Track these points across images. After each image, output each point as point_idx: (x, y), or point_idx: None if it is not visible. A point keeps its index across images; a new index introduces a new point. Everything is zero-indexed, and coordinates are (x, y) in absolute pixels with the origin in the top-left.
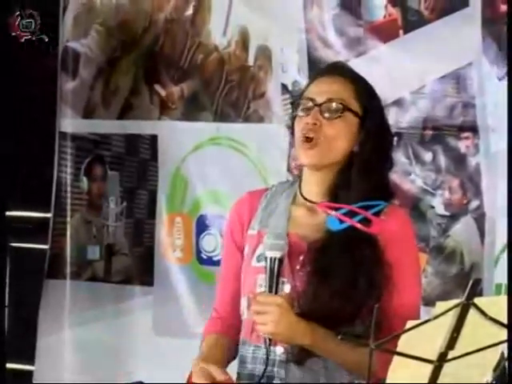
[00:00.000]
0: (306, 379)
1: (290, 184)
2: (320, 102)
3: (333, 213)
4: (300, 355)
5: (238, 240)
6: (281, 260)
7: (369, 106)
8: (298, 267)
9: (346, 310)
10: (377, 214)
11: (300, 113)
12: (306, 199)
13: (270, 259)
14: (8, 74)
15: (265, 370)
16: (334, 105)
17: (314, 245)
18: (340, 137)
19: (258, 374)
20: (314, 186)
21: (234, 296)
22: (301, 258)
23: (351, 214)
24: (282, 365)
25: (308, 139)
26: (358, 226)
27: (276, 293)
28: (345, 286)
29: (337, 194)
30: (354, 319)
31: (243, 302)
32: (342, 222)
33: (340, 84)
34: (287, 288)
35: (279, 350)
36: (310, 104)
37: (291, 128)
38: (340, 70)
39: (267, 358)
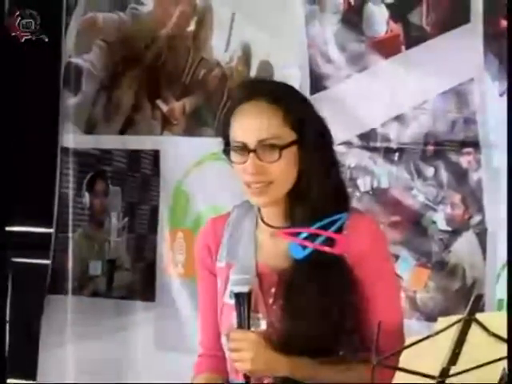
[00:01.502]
0: None
1: (250, 205)
2: (252, 147)
3: (294, 240)
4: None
5: (211, 268)
6: (249, 294)
7: (302, 123)
8: (270, 301)
9: (324, 339)
10: (339, 229)
11: (234, 158)
12: (267, 224)
13: (238, 295)
14: (8, 75)
15: None
16: (268, 149)
17: (283, 275)
18: (287, 170)
19: None
20: (271, 216)
21: (216, 323)
22: (272, 290)
23: (313, 237)
24: None
25: (254, 187)
26: (322, 248)
27: (248, 328)
28: (319, 317)
29: (294, 216)
30: (337, 346)
31: (223, 340)
32: (304, 247)
33: (264, 114)
34: (263, 324)
35: None
36: (242, 150)
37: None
38: (261, 94)
39: None
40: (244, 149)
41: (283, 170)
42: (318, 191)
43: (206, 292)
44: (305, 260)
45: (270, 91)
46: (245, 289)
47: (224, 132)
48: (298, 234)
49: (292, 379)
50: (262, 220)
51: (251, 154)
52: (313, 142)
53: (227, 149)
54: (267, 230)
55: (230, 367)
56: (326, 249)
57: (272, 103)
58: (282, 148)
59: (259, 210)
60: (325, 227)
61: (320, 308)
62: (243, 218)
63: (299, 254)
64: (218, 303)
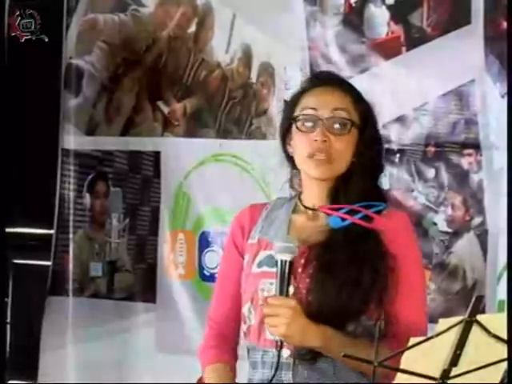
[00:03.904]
0: (313, 379)
1: (289, 198)
2: (325, 116)
3: (334, 213)
4: (311, 355)
5: (240, 247)
6: (291, 263)
7: (367, 116)
8: (299, 270)
9: (352, 304)
10: (377, 213)
11: (301, 125)
12: (306, 208)
13: (281, 262)
14: (9, 76)
15: (275, 372)
16: (341, 121)
17: (315, 245)
18: (347, 150)
19: (268, 379)
20: (315, 195)
21: (233, 301)
22: (302, 260)
23: (352, 213)
24: (289, 367)
25: (318, 157)
26: (360, 222)
27: (287, 296)
28: (349, 280)
29: (336, 197)
30: (361, 315)
31: (246, 310)
32: (343, 220)
33: (340, 95)
34: (291, 290)
35: (285, 353)
36: (314, 117)
37: (284, 139)
38: (335, 81)
39: (278, 361)
40: (315, 117)
41: (345, 146)
42: (366, 179)
43: (228, 267)
44: (342, 229)
45: (342, 81)
46: (288, 257)
47: (293, 103)
48: (339, 209)
49: (314, 352)
50: (302, 204)
51: (321, 123)
52: (372, 134)
53: (296, 115)
54: (305, 212)
55: (252, 337)
56: (364, 223)
57: (344, 90)
58: (351, 124)
59: (299, 197)
60: (364, 207)
61: (351, 272)
62: (281, 206)
63: (338, 224)
64: (241, 275)
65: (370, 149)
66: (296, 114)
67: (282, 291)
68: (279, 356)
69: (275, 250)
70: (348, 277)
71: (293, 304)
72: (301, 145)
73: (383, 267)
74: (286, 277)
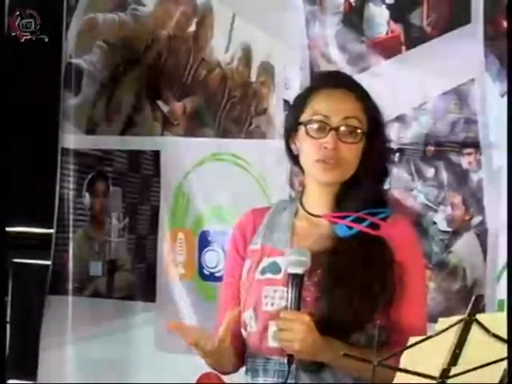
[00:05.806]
0: None
1: (291, 201)
2: (336, 124)
3: (341, 221)
4: (316, 367)
5: (242, 253)
6: (303, 276)
7: (376, 123)
8: (305, 279)
9: (360, 313)
10: (383, 219)
11: (311, 131)
12: (309, 213)
13: (293, 276)
14: (9, 75)
15: (285, 381)
16: (352, 129)
17: (321, 253)
18: (356, 157)
19: None
20: (318, 199)
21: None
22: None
23: (358, 221)
24: (293, 375)
25: (327, 162)
26: (367, 230)
27: (298, 309)
28: (359, 288)
29: (342, 204)
30: (366, 323)
31: (247, 316)
32: (350, 228)
33: (351, 100)
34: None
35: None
36: (325, 125)
37: (288, 136)
38: (346, 83)
39: (288, 375)
40: (326, 124)
41: (354, 155)
42: (372, 184)
43: (233, 273)
44: (349, 238)
45: (353, 84)
46: (300, 270)
47: (294, 113)
48: (345, 217)
49: (318, 363)
50: (305, 210)
51: (332, 132)
52: (380, 140)
53: (307, 120)
54: (307, 217)
55: (253, 344)
56: (371, 231)
57: (355, 96)
58: (362, 134)
59: (301, 201)
60: (370, 214)
61: (359, 280)
62: (283, 210)
63: (345, 233)
64: (244, 281)
65: (378, 155)
66: (305, 118)
67: (294, 305)
68: (289, 370)
69: (287, 263)
70: (357, 285)
71: (307, 320)
72: (309, 150)
73: (391, 275)
74: (297, 290)
